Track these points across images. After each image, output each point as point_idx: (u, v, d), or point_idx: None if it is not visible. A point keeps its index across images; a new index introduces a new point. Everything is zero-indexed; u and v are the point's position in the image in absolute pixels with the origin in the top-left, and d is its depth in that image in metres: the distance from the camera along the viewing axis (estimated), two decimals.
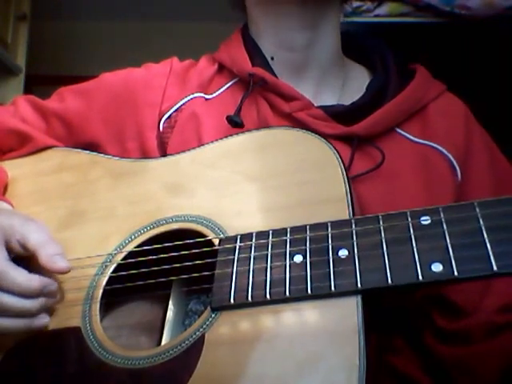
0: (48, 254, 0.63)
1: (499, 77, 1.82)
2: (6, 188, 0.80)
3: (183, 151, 0.73)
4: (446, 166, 0.76)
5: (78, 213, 0.74)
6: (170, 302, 0.67)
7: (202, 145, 0.73)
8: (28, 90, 2.46)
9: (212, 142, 0.72)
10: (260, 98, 0.79)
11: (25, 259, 0.65)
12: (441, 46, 1.72)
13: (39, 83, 2.69)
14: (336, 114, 0.77)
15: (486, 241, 0.50)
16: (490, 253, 0.49)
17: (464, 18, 1.69)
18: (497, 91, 1.77)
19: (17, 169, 0.82)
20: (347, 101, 0.79)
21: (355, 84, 0.83)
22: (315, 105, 0.78)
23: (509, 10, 1.65)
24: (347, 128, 0.75)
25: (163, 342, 0.63)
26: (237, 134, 0.71)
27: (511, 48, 1.73)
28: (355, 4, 1.74)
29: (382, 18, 1.77)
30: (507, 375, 0.71)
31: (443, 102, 0.81)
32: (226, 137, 0.72)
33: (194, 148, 0.73)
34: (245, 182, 0.67)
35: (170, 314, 0.66)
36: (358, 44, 0.88)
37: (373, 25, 1.75)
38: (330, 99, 0.81)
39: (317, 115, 0.76)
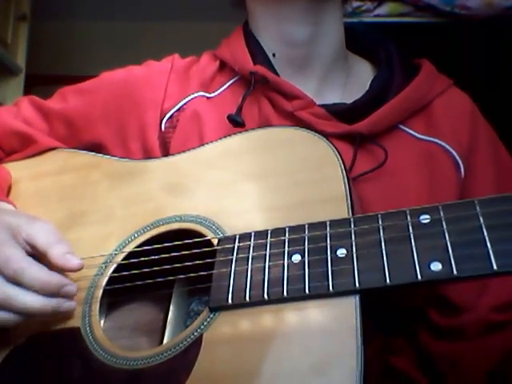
0: (60, 253, 0.63)
1: (499, 77, 1.81)
2: (9, 190, 0.80)
3: (183, 151, 0.73)
4: (450, 162, 0.76)
5: (77, 215, 0.73)
6: (172, 303, 0.67)
7: (202, 145, 0.73)
8: (28, 89, 2.47)
9: (211, 141, 0.72)
10: (262, 97, 0.78)
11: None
12: (441, 46, 1.72)
13: (39, 83, 2.70)
14: (338, 112, 0.76)
15: (486, 239, 0.49)
16: (491, 251, 0.49)
17: (464, 17, 1.69)
18: (497, 91, 1.77)
19: (20, 171, 0.82)
20: (350, 98, 0.78)
21: (358, 80, 0.82)
22: (317, 103, 0.77)
23: (509, 10, 1.65)
24: (350, 126, 0.74)
25: (164, 342, 0.63)
26: (236, 133, 0.71)
27: (511, 48, 1.73)
28: (355, 4, 1.74)
29: (382, 17, 1.77)
30: (496, 373, 0.71)
31: (448, 98, 0.81)
32: (226, 136, 0.71)
33: (193, 148, 0.73)
34: (244, 182, 0.66)
35: (171, 314, 0.66)
36: (362, 38, 0.87)
37: (373, 25, 1.75)
38: (332, 97, 0.80)
39: (319, 114, 0.75)
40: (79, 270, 0.63)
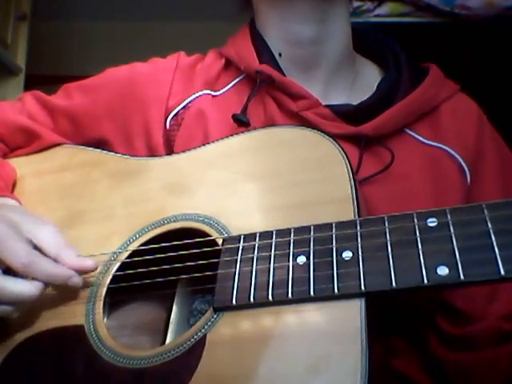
0: (72, 255, 0.64)
1: (499, 77, 1.81)
2: (14, 186, 0.79)
3: (185, 150, 0.73)
4: (456, 168, 0.75)
5: (78, 213, 0.73)
6: (175, 302, 0.67)
7: (203, 144, 0.72)
8: (28, 89, 2.46)
9: (214, 141, 0.72)
10: (267, 96, 0.78)
11: None
12: (441, 46, 1.72)
13: (39, 83, 2.68)
14: (344, 113, 0.75)
15: (494, 244, 0.49)
16: (498, 256, 0.48)
17: (464, 17, 1.68)
18: (497, 91, 1.76)
19: (24, 167, 0.82)
20: (357, 99, 0.78)
21: (365, 82, 0.81)
22: (323, 103, 0.76)
23: (509, 10, 1.65)
24: (355, 128, 0.74)
25: (167, 341, 0.63)
26: (237, 133, 0.71)
27: (511, 48, 1.73)
28: (355, 4, 1.73)
29: (382, 18, 1.77)
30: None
31: (455, 103, 0.80)
32: (227, 136, 0.71)
33: (194, 148, 0.72)
34: (247, 182, 0.66)
35: (174, 313, 0.66)
36: (370, 41, 0.87)
37: (373, 25, 1.75)
38: (338, 98, 0.80)
39: (324, 114, 0.75)
40: (94, 270, 0.64)
